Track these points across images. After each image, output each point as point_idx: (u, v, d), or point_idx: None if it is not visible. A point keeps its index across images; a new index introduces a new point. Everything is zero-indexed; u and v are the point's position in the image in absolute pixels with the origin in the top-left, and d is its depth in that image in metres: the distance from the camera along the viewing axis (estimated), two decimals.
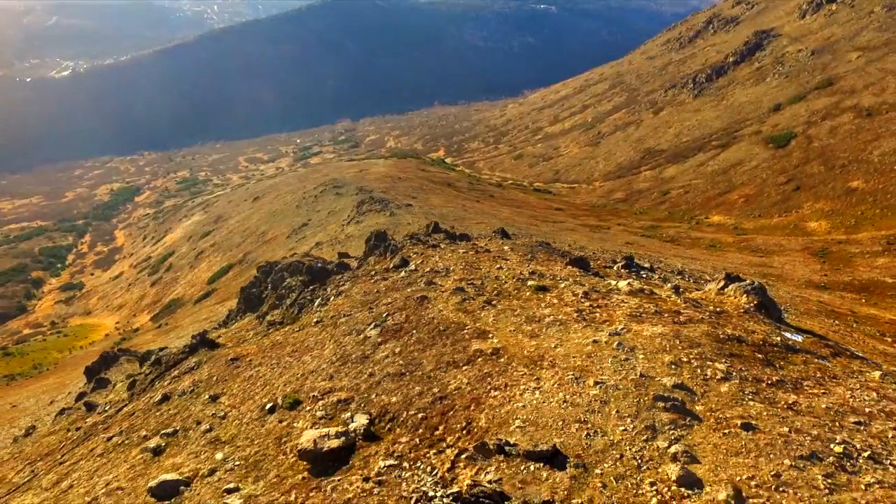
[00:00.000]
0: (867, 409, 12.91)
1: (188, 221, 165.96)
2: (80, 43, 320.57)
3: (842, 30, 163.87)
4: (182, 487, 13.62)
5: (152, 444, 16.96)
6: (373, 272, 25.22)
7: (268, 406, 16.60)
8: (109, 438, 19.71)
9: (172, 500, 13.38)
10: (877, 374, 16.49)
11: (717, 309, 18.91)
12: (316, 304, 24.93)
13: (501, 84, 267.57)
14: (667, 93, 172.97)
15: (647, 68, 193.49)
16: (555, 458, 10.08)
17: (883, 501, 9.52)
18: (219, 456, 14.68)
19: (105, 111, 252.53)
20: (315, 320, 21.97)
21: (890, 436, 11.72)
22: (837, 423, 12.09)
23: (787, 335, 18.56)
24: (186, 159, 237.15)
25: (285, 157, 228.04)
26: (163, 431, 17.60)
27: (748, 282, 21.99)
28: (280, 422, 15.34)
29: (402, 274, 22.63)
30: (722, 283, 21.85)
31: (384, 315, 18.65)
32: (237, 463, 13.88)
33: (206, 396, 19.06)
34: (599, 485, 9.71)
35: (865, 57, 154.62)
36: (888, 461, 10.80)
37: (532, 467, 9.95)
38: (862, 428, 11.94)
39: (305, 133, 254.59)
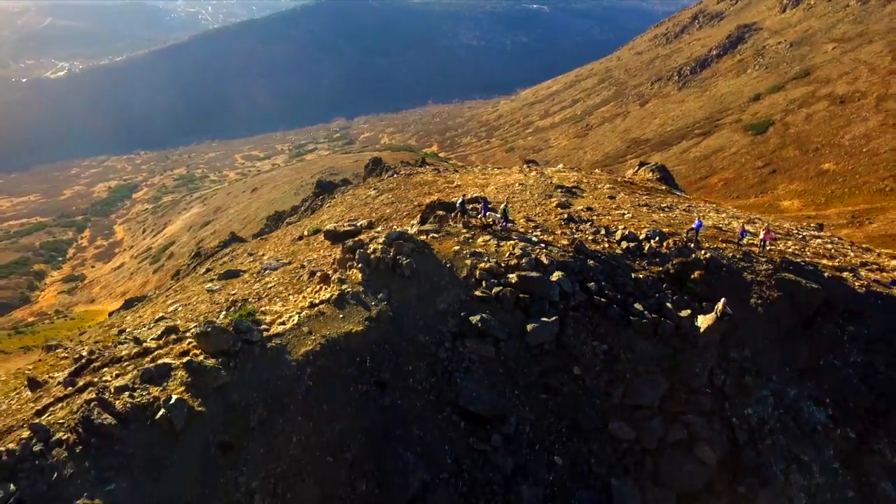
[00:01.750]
0: (702, 207, 23.00)
1: (187, 214, 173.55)
2: (74, 44, 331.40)
3: (819, 22, 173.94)
4: (241, 272, 23.16)
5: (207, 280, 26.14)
6: (370, 183, 35.29)
7: (296, 237, 26.25)
8: (168, 295, 28.91)
9: (239, 276, 22.92)
10: (732, 209, 26.49)
11: (628, 178, 29.00)
12: (325, 203, 34.75)
13: (495, 82, 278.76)
14: (653, 85, 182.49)
15: (635, 63, 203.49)
16: (486, 202, 20.06)
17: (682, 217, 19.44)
18: (265, 258, 24.42)
19: (101, 111, 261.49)
20: (326, 207, 31.80)
21: (702, 210, 21.80)
22: (673, 207, 22.09)
23: (677, 192, 28.51)
24: (183, 157, 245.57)
25: (281, 154, 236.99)
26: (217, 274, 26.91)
27: (654, 164, 32.38)
28: (306, 241, 25.06)
29: (394, 177, 32.63)
30: (637, 168, 31.96)
31: (381, 186, 28.47)
32: (278, 256, 23.57)
33: (245, 255, 28.53)
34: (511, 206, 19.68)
35: (841, 48, 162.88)
36: (685, 210, 20.81)
37: (471, 205, 19.96)
38: (691, 209, 21.95)
39: (301, 131, 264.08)
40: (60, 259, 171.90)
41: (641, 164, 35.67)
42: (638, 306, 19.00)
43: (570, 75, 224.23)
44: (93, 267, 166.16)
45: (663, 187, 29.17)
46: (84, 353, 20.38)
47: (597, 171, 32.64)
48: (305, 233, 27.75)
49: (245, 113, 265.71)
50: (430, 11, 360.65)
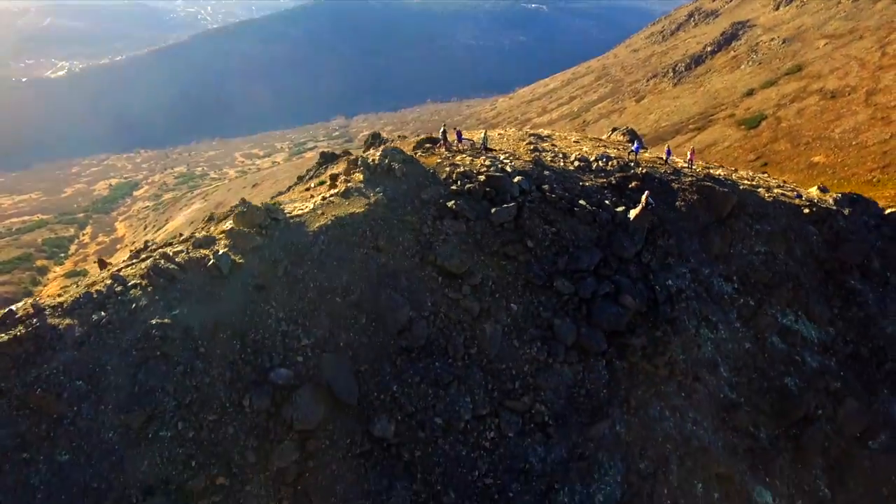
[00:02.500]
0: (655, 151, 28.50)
1: (189, 209, 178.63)
2: (74, 44, 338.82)
3: (811, 19, 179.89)
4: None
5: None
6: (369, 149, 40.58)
7: (303, 189, 31.76)
8: None
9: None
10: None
11: (601, 137, 34.43)
12: (329, 169, 40.34)
13: (493, 81, 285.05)
14: (648, 82, 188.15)
15: (632, 60, 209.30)
16: (460, 133, 25.69)
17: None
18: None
19: (101, 110, 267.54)
20: (328, 171, 37.35)
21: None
22: (627, 148, 27.63)
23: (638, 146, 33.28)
24: (183, 156, 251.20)
25: (280, 152, 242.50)
26: None
27: (625, 127, 37.94)
28: (312, 191, 30.52)
29: (392, 143, 37.87)
30: (610, 132, 37.45)
31: (380, 147, 33.93)
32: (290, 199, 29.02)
33: None
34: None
35: (832, 44, 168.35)
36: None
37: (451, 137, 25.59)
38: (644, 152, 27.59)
39: (300, 130, 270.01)
40: (63, 255, 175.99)
41: (613, 130, 41.11)
42: (582, 202, 24.44)
43: (567, 73, 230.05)
44: (95, 262, 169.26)
45: (630, 146, 34.67)
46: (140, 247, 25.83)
47: (576, 134, 38.22)
48: (312, 185, 33.25)
49: (245, 112, 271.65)
50: (428, 11, 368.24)
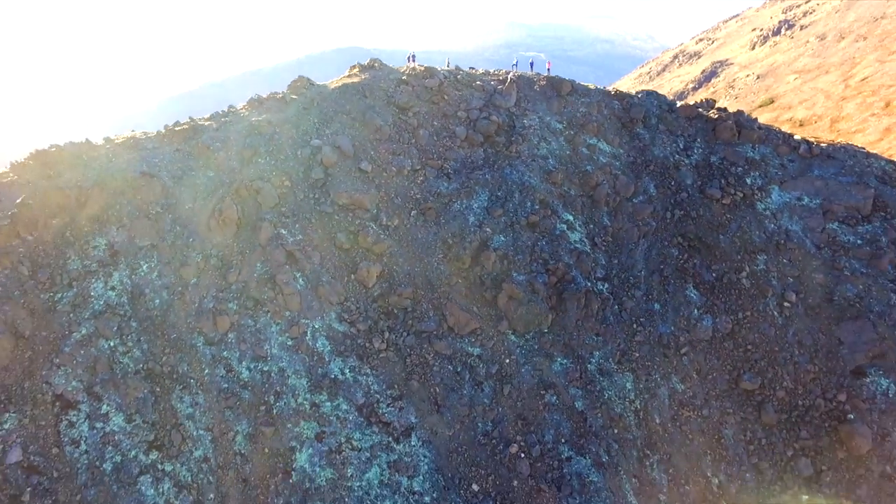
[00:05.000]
0: None
1: None
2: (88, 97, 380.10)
3: (783, 57, 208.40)
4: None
5: None
6: None
7: None
8: None
9: None
10: None
11: None
12: None
13: None
14: None
15: None
16: (414, 55, 50.07)
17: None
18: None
19: None
20: None
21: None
22: None
23: None
24: None
25: None
26: None
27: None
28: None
29: None
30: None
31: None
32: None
33: None
34: None
35: (801, 78, 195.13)
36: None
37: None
38: None
39: None
40: None
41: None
42: (478, 83, 48.41)
43: None
44: None
45: None
46: None
47: None
48: None
49: None
50: (428, 60, 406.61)
